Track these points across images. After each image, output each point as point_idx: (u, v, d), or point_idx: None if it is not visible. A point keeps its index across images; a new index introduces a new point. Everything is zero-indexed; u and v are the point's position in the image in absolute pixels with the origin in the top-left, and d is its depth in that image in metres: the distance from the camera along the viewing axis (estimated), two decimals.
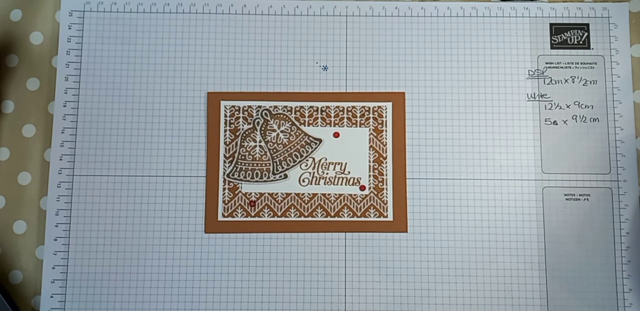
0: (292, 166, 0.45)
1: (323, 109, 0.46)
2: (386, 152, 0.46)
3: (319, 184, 0.45)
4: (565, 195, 0.45)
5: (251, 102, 0.46)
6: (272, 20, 0.47)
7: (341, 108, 0.46)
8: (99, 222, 0.44)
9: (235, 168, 0.45)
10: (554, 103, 0.46)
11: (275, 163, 0.45)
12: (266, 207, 0.45)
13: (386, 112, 0.46)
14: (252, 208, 0.45)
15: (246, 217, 0.45)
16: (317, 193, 0.45)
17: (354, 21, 0.47)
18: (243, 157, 0.45)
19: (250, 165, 0.45)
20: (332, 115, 0.46)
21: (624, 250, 0.44)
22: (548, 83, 0.46)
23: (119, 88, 0.46)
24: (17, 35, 0.47)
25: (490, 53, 0.47)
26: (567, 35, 0.47)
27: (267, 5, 0.47)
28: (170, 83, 0.46)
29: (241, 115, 0.46)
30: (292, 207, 0.45)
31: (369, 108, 0.46)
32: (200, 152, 0.45)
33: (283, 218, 0.45)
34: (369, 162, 0.45)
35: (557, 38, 0.47)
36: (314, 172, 0.45)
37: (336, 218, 0.45)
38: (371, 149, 0.46)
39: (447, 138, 0.46)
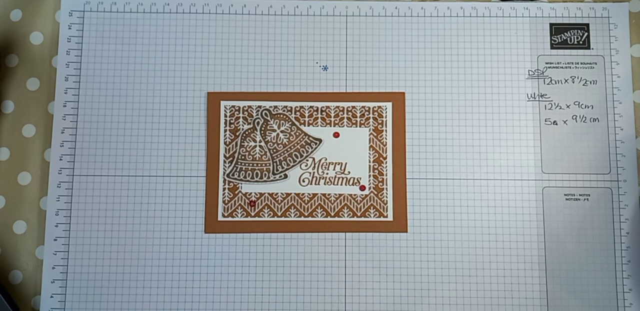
0: (292, 166, 0.45)
1: (323, 109, 0.46)
2: (386, 152, 0.46)
3: (319, 184, 0.45)
4: (565, 195, 0.45)
5: (251, 102, 0.46)
6: (272, 20, 0.47)
7: (341, 108, 0.46)
8: (99, 222, 0.44)
9: (235, 168, 0.45)
10: (554, 103, 0.46)
11: (275, 163, 0.45)
12: (266, 207, 0.45)
13: (386, 112, 0.46)
14: (252, 208, 0.45)
15: (246, 217, 0.45)
16: (317, 193, 0.45)
17: (354, 21, 0.47)
18: (243, 157, 0.45)
19: (250, 165, 0.45)
20: (332, 115, 0.46)
21: (624, 250, 0.44)
22: (548, 83, 0.46)
23: (119, 88, 0.46)
24: (17, 35, 0.47)
25: (490, 53, 0.47)
26: (567, 35, 0.47)
27: (267, 5, 0.47)
28: (170, 83, 0.46)
29: (241, 115, 0.46)
30: (292, 207, 0.45)
31: (369, 108, 0.46)
32: (200, 152, 0.45)
33: (283, 218, 0.45)
34: (369, 162, 0.45)
35: (557, 38, 0.47)
36: (314, 172, 0.45)
37: (336, 218, 0.45)
38: (371, 149, 0.46)
39: (447, 138, 0.46)
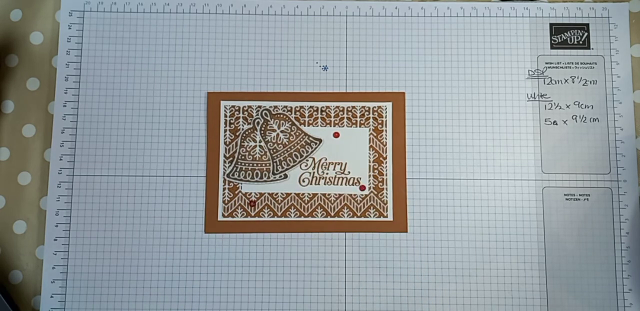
0: (292, 166, 0.45)
1: (323, 109, 0.46)
2: (386, 152, 0.46)
3: (319, 184, 0.45)
4: (565, 195, 0.45)
5: (251, 102, 0.46)
6: (272, 20, 0.47)
7: (341, 108, 0.46)
8: (99, 222, 0.44)
9: (235, 168, 0.45)
10: (554, 103, 0.46)
11: (275, 163, 0.45)
12: (266, 207, 0.45)
13: (386, 112, 0.46)
14: (252, 208, 0.45)
15: (246, 217, 0.45)
16: (317, 193, 0.45)
17: (354, 21, 0.47)
18: (243, 157, 0.45)
19: (250, 165, 0.45)
20: (332, 115, 0.46)
21: (624, 250, 0.44)
22: (548, 83, 0.46)
23: (119, 88, 0.46)
24: (17, 35, 0.47)
25: (490, 53, 0.47)
26: (567, 35, 0.47)
27: (267, 5, 0.47)
28: (170, 83, 0.46)
29: (241, 115, 0.46)
30: (292, 207, 0.45)
31: (369, 108, 0.46)
32: (200, 152, 0.45)
33: (283, 218, 0.45)
34: (369, 162, 0.45)
35: (557, 38, 0.47)
36: (314, 172, 0.45)
37: (336, 218, 0.45)
38: (371, 149, 0.46)
39: (447, 138, 0.46)
